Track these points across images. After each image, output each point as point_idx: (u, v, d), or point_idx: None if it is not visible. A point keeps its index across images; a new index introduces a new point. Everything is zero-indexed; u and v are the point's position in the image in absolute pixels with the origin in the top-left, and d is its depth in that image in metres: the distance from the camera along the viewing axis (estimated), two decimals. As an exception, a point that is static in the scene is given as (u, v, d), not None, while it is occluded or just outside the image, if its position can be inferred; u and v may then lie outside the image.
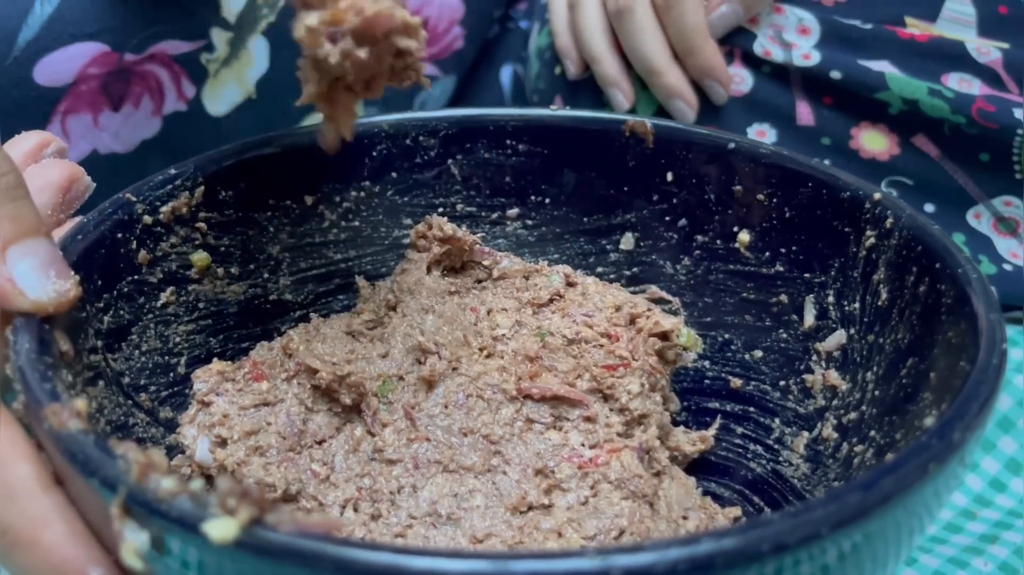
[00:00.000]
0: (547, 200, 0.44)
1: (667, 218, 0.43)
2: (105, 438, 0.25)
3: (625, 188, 0.43)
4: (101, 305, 0.34)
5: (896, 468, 0.24)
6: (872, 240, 0.37)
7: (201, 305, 0.39)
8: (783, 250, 0.40)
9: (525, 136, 0.44)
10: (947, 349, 0.31)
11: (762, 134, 0.55)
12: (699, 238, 0.42)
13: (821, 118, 0.54)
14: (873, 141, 0.52)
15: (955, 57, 0.50)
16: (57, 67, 0.46)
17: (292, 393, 0.37)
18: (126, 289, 0.35)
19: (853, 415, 0.36)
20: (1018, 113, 0.49)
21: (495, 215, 0.45)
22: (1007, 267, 0.51)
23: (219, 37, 0.51)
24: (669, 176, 0.42)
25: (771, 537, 0.22)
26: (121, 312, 0.35)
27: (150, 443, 0.35)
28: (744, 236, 0.41)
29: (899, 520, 0.24)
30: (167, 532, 0.22)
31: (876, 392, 0.35)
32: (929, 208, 0.53)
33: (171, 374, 0.38)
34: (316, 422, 0.36)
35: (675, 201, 0.42)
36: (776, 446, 0.40)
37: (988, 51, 0.50)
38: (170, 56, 0.50)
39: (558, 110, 0.44)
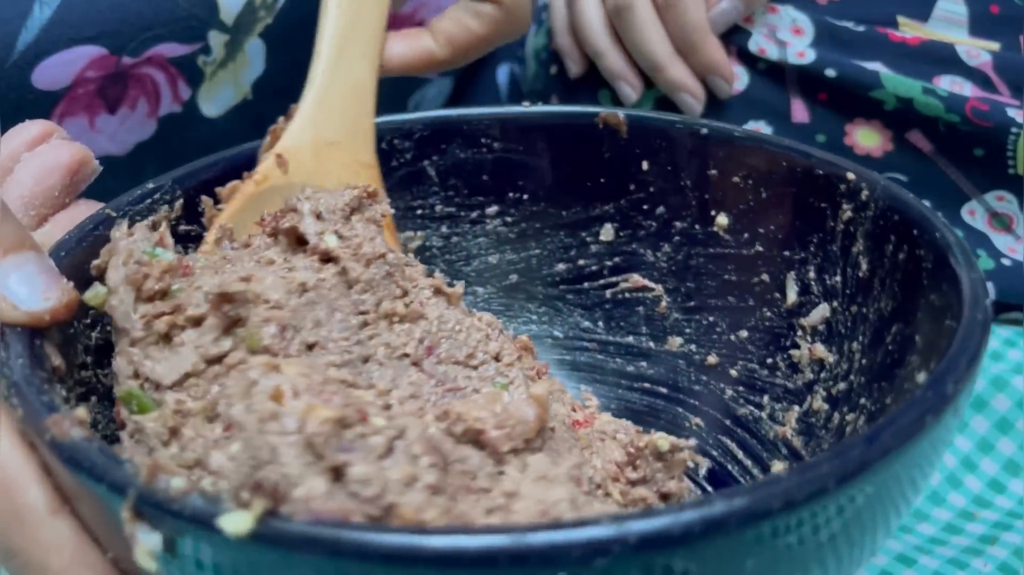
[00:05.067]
0: (525, 196, 0.45)
1: (645, 207, 0.43)
2: (109, 445, 0.25)
3: (602, 180, 0.44)
4: (88, 321, 0.34)
5: (894, 422, 0.24)
6: (849, 214, 0.37)
7: (187, 318, 0.39)
8: (761, 230, 0.41)
9: (499, 134, 0.44)
10: (931, 312, 0.32)
11: (757, 131, 0.55)
12: (678, 224, 0.43)
13: (815, 115, 0.54)
14: (867, 137, 0.53)
15: (946, 60, 0.51)
16: (55, 70, 0.45)
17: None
18: (112, 304, 0.35)
19: (842, 385, 0.37)
20: (1011, 112, 0.49)
21: (474, 214, 0.45)
22: (1005, 262, 0.51)
23: (216, 40, 0.51)
24: (645, 165, 0.43)
25: (780, 494, 0.22)
26: (108, 327, 0.35)
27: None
28: (722, 219, 0.42)
29: (899, 474, 0.25)
30: (181, 531, 0.22)
31: (863, 361, 0.36)
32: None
33: (162, 388, 0.37)
34: None
35: (652, 189, 0.43)
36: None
37: (978, 54, 0.50)
38: (167, 59, 0.50)
39: (531, 106, 0.44)
